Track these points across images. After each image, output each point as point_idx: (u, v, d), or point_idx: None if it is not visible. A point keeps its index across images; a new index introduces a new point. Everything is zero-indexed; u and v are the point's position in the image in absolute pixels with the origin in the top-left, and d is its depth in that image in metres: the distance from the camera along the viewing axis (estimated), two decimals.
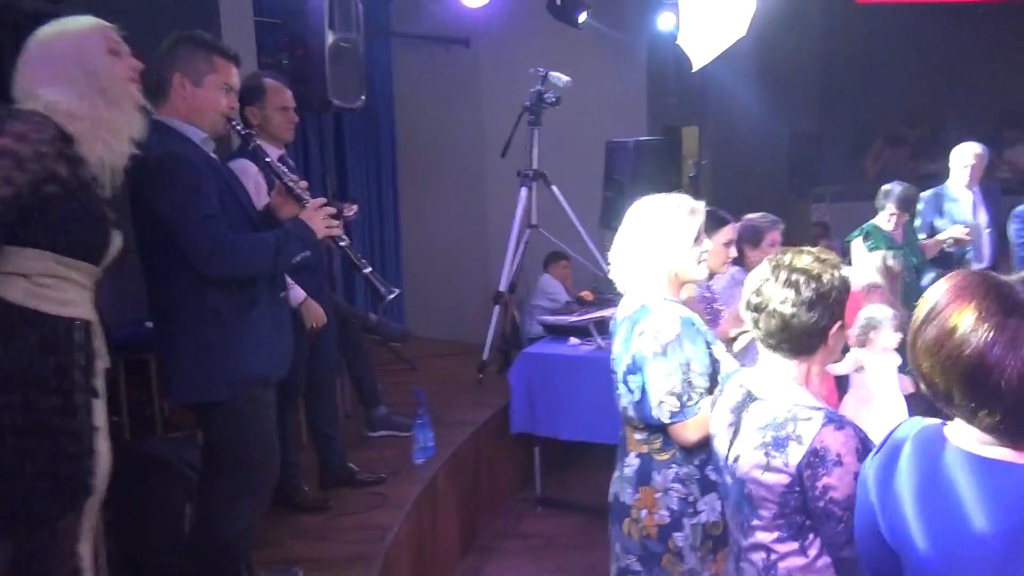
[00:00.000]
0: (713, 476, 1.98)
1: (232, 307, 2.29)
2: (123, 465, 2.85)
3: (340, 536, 3.05)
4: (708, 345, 2.02)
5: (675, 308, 2.02)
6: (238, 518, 2.40)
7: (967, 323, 1.12)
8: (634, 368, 2.02)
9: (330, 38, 3.97)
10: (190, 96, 2.28)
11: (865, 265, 3.87)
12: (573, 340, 4.27)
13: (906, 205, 4.60)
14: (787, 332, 1.64)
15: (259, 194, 2.75)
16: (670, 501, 2.02)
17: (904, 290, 3.82)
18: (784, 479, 1.58)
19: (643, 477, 2.05)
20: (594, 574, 3.63)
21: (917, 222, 4.88)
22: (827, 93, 11.27)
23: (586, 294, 4.74)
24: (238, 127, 2.43)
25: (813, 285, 1.62)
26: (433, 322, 6.00)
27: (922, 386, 1.22)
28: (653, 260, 2.05)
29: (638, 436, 2.08)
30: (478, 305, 5.52)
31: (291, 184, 2.42)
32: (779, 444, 1.59)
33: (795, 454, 1.56)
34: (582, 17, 5.62)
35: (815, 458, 1.54)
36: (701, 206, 2.10)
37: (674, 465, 2.02)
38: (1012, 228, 3.98)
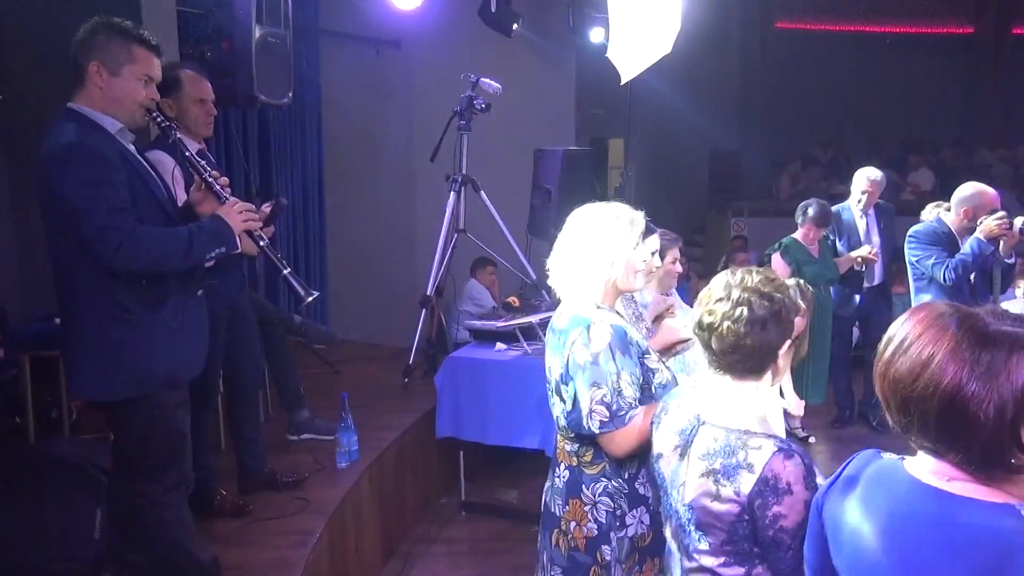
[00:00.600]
0: (642, 490, 2.00)
1: (141, 304, 2.21)
2: (25, 468, 2.73)
3: (260, 541, 2.96)
4: (642, 355, 2.00)
5: (608, 317, 1.99)
6: (169, 524, 2.33)
7: (943, 355, 1.12)
8: (566, 378, 2.00)
9: (257, 32, 3.87)
10: (107, 86, 2.20)
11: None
12: (500, 345, 4.28)
13: (822, 221, 4.88)
14: (739, 352, 1.63)
15: (176, 188, 2.66)
16: (599, 514, 2.00)
17: (816, 304, 4.01)
18: (734, 508, 1.56)
19: (573, 489, 2.03)
20: None
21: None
22: (746, 113, 11.71)
23: (513, 299, 4.76)
24: (159, 119, 2.35)
25: (766, 304, 1.62)
26: (358, 325, 5.92)
27: (891, 418, 1.21)
28: (589, 269, 2.03)
29: (569, 447, 2.06)
30: (404, 309, 5.47)
31: (211, 180, 2.35)
32: (729, 472, 1.57)
33: (746, 483, 1.54)
34: (515, 27, 5.68)
35: (765, 487, 1.53)
36: (640, 216, 2.09)
37: (603, 479, 2.00)
38: (908, 247, 4.24)
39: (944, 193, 8.92)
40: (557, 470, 2.10)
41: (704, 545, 1.64)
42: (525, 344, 4.13)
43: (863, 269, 5.02)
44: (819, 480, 1.54)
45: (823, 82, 11.30)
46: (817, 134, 11.47)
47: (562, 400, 2.03)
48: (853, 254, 4.99)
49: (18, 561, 2.60)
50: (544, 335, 4.20)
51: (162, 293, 2.25)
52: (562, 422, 2.05)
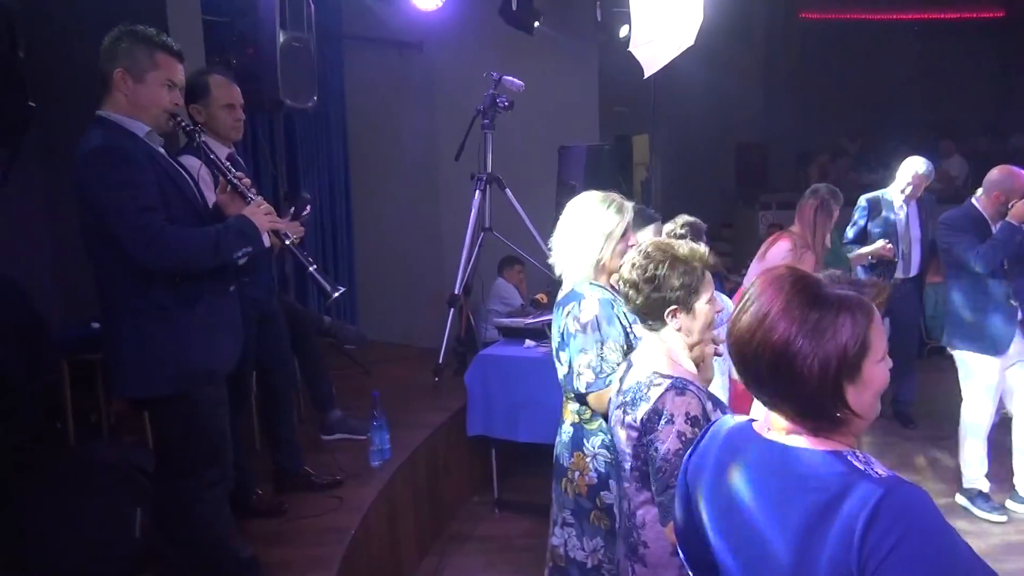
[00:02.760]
0: None
1: (177, 301, 2.26)
2: (66, 470, 2.78)
3: (297, 540, 2.99)
4: (630, 325, 2.25)
5: (596, 291, 2.26)
6: (210, 521, 2.36)
7: (775, 312, 1.19)
8: (562, 344, 2.31)
9: (281, 37, 3.92)
10: (132, 92, 2.24)
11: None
12: (528, 342, 4.28)
13: (837, 199, 4.74)
14: (637, 304, 1.93)
15: (206, 190, 2.70)
16: (598, 464, 2.26)
17: None
18: (634, 433, 1.83)
19: (576, 443, 2.31)
20: None
21: (860, 222, 5.05)
22: (772, 105, 11.57)
23: (541, 297, 4.76)
24: (183, 123, 2.38)
25: (651, 263, 1.90)
26: (387, 326, 5.95)
27: (737, 373, 1.29)
28: (582, 249, 2.31)
29: (572, 407, 2.34)
30: (432, 308, 5.49)
31: (235, 181, 2.38)
32: (633, 403, 1.84)
33: (641, 411, 1.81)
34: (536, 24, 5.67)
35: (654, 415, 1.78)
36: (629, 204, 2.36)
37: (601, 433, 2.26)
38: (939, 234, 4.15)
39: (977, 182, 8.76)
40: (563, 427, 2.38)
41: (623, 472, 1.92)
42: None
43: (876, 262, 4.93)
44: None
45: (850, 72, 11.14)
46: (845, 125, 11.30)
47: (560, 363, 2.34)
48: (865, 250, 4.90)
49: (60, 561, 2.65)
50: None
51: (196, 290, 2.29)
52: (563, 384, 2.34)
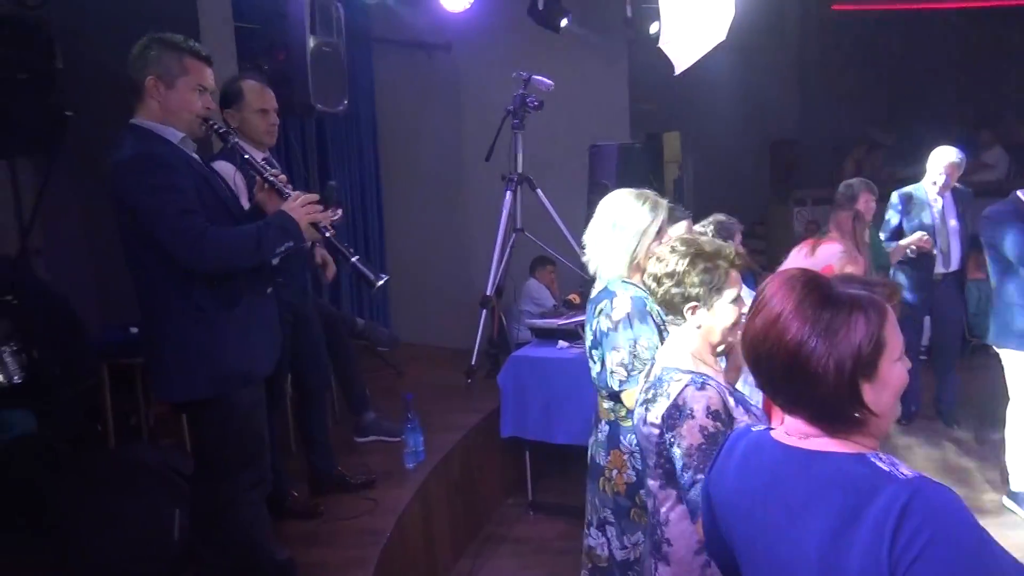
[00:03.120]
0: None
1: (215, 304, 2.27)
2: (106, 472, 2.82)
3: (332, 541, 3.01)
4: (663, 323, 2.21)
5: (629, 289, 2.25)
6: (247, 523, 2.39)
7: (787, 313, 1.19)
8: (595, 343, 2.30)
9: (311, 42, 3.94)
10: (164, 98, 2.26)
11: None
12: (561, 343, 4.26)
13: (871, 189, 4.61)
14: (659, 298, 1.94)
15: (240, 195, 2.72)
16: (636, 461, 2.23)
17: None
18: (655, 430, 1.81)
19: (613, 441, 2.30)
20: None
21: (894, 220, 4.93)
22: (805, 99, 11.40)
23: (573, 297, 4.73)
24: (216, 127, 2.39)
25: (675, 258, 1.89)
26: (419, 327, 5.97)
27: (752, 377, 1.28)
28: (615, 247, 2.29)
29: (607, 404, 2.33)
30: (464, 310, 5.49)
31: (271, 178, 2.39)
32: (654, 399, 1.82)
33: (661, 408, 1.79)
34: (563, 23, 5.64)
35: (675, 411, 1.76)
36: (664, 202, 2.34)
37: None
38: (982, 230, 3.99)
39: (1019, 173, 8.54)
40: (599, 426, 2.37)
41: (648, 469, 1.91)
42: None
43: (915, 255, 4.78)
44: (740, 416, 1.74)
45: (884, 64, 10.93)
46: (880, 118, 11.09)
47: (593, 362, 2.33)
48: (903, 242, 4.76)
49: (102, 562, 2.69)
50: None
51: (234, 292, 2.30)
52: (596, 382, 2.33)
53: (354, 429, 3.97)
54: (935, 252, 4.80)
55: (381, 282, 2.51)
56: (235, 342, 2.30)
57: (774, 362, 1.20)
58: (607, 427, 2.33)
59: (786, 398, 1.23)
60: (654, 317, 2.24)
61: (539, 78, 4.87)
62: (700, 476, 1.67)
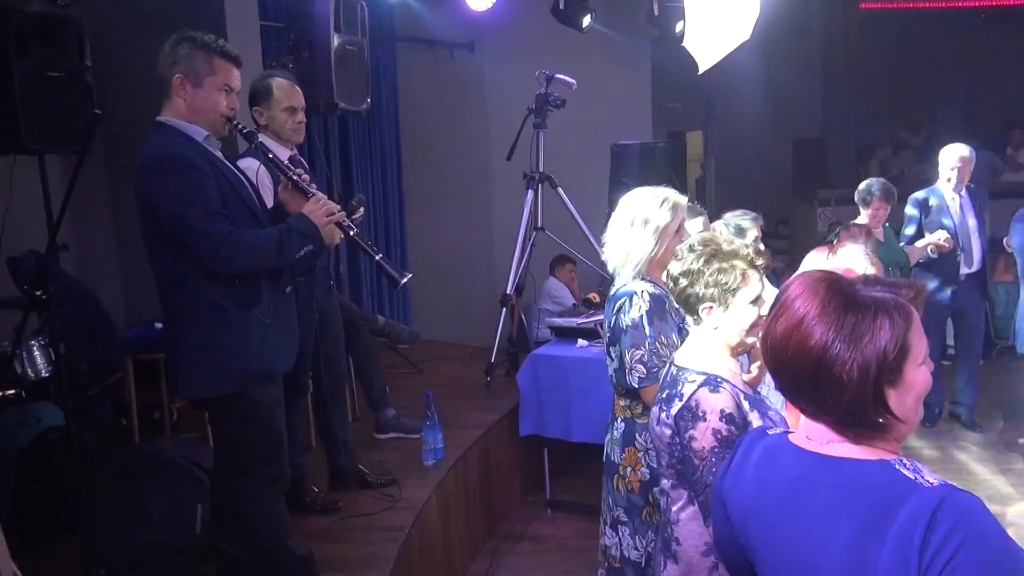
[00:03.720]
0: None
1: (236, 302, 2.29)
2: (131, 466, 2.86)
3: (351, 537, 3.03)
4: (681, 321, 2.22)
5: (649, 288, 2.27)
6: (267, 519, 2.41)
7: (811, 317, 1.16)
8: (613, 340, 2.31)
9: (336, 41, 3.97)
10: (190, 97, 2.28)
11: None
12: (581, 342, 4.26)
13: (889, 196, 4.58)
14: (677, 297, 1.94)
15: (265, 193, 2.74)
16: (650, 460, 2.23)
17: None
18: (668, 430, 1.81)
19: (628, 439, 2.31)
20: None
21: (910, 229, 4.87)
22: (830, 98, 11.28)
23: (593, 296, 4.73)
24: (240, 127, 2.40)
25: (691, 257, 1.89)
26: (439, 325, 5.99)
27: (775, 382, 1.26)
28: (634, 245, 2.30)
29: (623, 402, 2.34)
30: (484, 308, 5.51)
31: (295, 178, 2.41)
32: (668, 400, 1.81)
33: (675, 408, 1.78)
34: (586, 21, 5.63)
35: (687, 412, 1.75)
36: (683, 200, 2.35)
37: None
38: (1013, 232, 3.89)
39: None
40: (615, 423, 2.38)
41: (661, 468, 1.92)
42: None
43: (936, 256, 4.70)
44: (755, 420, 1.73)
45: (912, 62, 10.77)
46: (907, 117, 10.95)
47: (611, 359, 2.34)
48: (922, 242, 4.68)
49: (127, 555, 2.73)
50: None
51: (255, 291, 2.32)
52: (613, 379, 2.35)
53: (374, 426, 4.00)
54: (958, 252, 4.73)
55: (405, 280, 2.53)
56: (255, 340, 2.32)
57: (797, 367, 1.18)
58: (623, 424, 2.34)
59: (809, 404, 1.21)
60: (673, 316, 2.25)
61: (562, 77, 4.86)
62: (712, 479, 1.64)
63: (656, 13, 6.02)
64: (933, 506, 1.07)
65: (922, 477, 1.12)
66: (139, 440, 3.58)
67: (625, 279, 2.33)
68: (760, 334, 1.89)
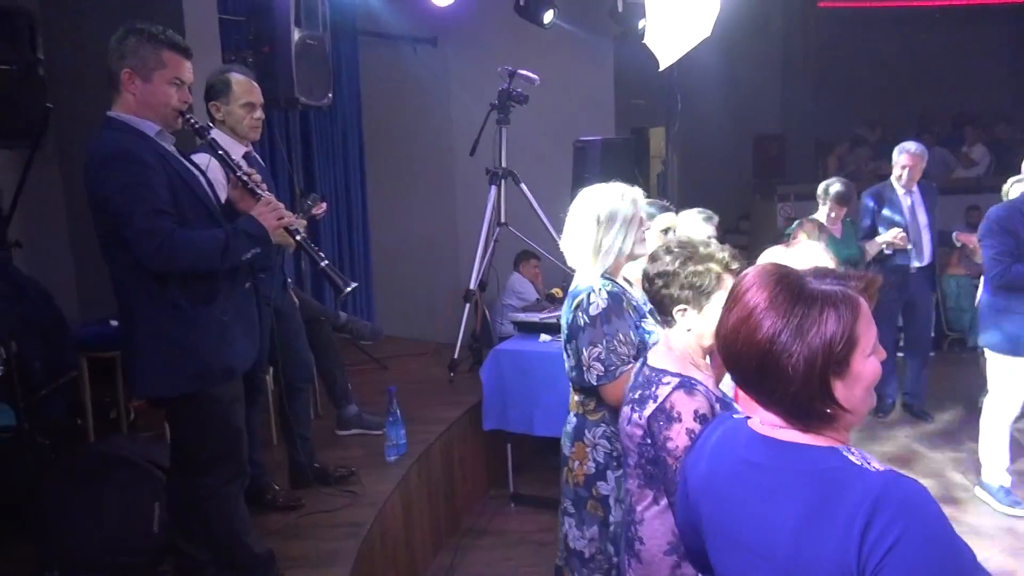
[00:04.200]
0: None
1: (192, 300, 2.26)
2: (85, 465, 2.82)
3: (313, 534, 3.02)
4: (640, 319, 2.29)
5: (607, 285, 2.26)
6: (226, 517, 2.40)
7: (759, 310, 1.18)
8: (570, 336, 2.31)
9: (296, 35, 3.94)
10: (139, 91, 2.23)
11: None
12: (544, 337, 4.28)
13: (845, 200, 4.76)
14: (648, 297, 1.96)
15: (219, 189, 2.70)
16: (597, 454, 2.28)
17: None
18: (639, 431, 1.82)
19: (578, 433, 2.34)
20: None
21: (865, 224, 5.02)
22: (789, 95, 11.46)
23: (557, 291, 4.75)
24: (192, 122, 2.35)
25: (668, 259, 1.90)
26: (403, 321, 5.98)
27: (728, 372, 1.29)
28: (592, 241, 2.29)
29: (577, 398, 2.37)
30: (448, 304, 5.51)
31: (245, 178, 2.37)
32: (642, 401, 1.82)
33: (648, 410, 1.79)
34: (547, 17, 5.64)
35: (661, 414, 1.77)
36: (640, 194, 2.36)
37: (603, 424, 2.29)
38: (983, 228, 3.92)
39: (999, 170, 8.61)
40: (568, 418, 2.42)
41: (628, 468, 1.93)
42: None
43: (892, 253, 4.88)
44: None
45: (868, 60, 11.00)
46: (864, 114, 11.18)
47: (567, 355, 2.34)
48: (879, 239, 4.86)
49: (81, 554, 2.69)
50: None
51: (211, 288, 2.29)
52: (570, 375, 2.35)
53: (336, 422, 3.99)
54: (909, 246, 4.89)
55: (349, 289, 2.50)
56: (213, 338, 2.29)
57: (746, 359, 1.20)
58: (575, 419, 2.37)
59: (759, 394, 1.23)
60: (631, 313, 2.26)
61: (525, 72, 4.88)
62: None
63: (620, 10, 6.06)
64: (876, 492, 1.09)
65: (868, 464, 1.14)
66: (95, 439, 3.52)
67: (583, 276, 2.33)
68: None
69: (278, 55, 3.92)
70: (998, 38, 11.34)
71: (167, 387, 2.30)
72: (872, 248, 4.87)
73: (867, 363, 1.17)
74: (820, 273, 1.22)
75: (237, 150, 2.96)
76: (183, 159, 2.37)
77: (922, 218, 4.98)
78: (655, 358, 1.90)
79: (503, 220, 4.98)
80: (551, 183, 5.33)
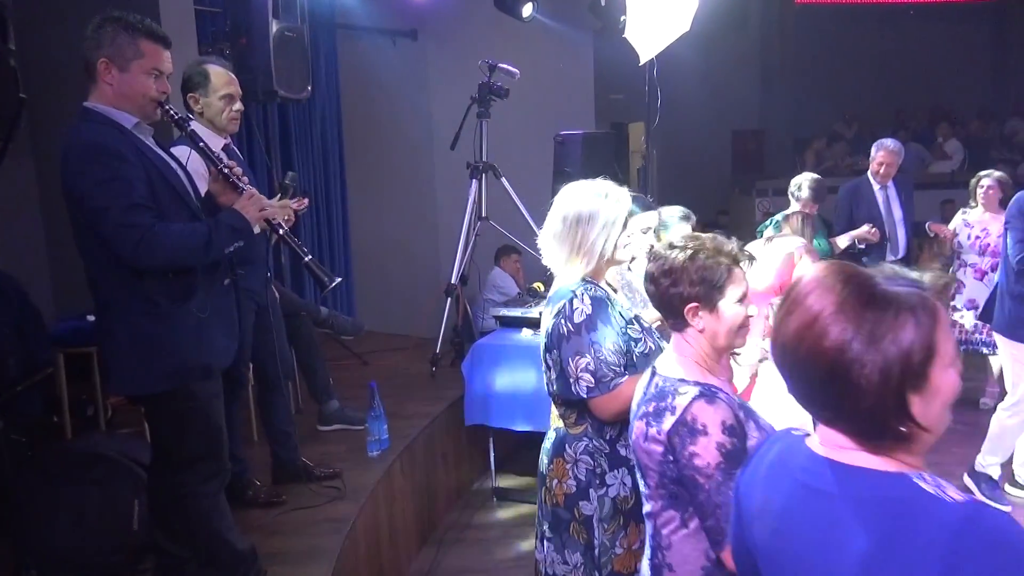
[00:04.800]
0: (623, 452, 2.08)
1: (169, 297, 2.22)
2: (62, 463, 2.78)
3: (295, 530, 3.00)
4: (626, 325, 2.11)
5: (590, 289, 2.08)
6: (207, 514, 2.37)
7: (826, 315, 1.05)
8: (551, 345, 2.11)
9: (274, 27, 3.89)
10: (116, 82, 2.18)
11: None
12: (526, 331, 4.28)
13: (818, 197, 4.82)
14: (655, 300, 1.79)
15: (197, 179, 2.66)
16: (579, 472, 2.10)
17: None
18: (659, 447, 1.65)
19: (557, 449, 2.16)
20: None
21: (841, 218, 5.08)
22: (768, 91, 11.55)
23: (538, 286, 4.75)
24: (172, 112, 2.30)
25: (674, 254, 1.74)
26: (384, 316, 5.95)
27: (787, 386, 1.15)
28: (574, 243, 2.10)
29: (557, 411, 2.20)
30: (429, 298, 5.49)
31: (226, 171, 2.34)
32: (658, 414, 1.66)
33: (667, 424, 1.63)
34: (527, 10, 5.63)
35: (683, 427, 1.61)
36: (625, 193, 2.14)
37: (585, 439, 2.11)
38: (1009, 214, 3.81)
39: (972, 165, 8.74)
40: (548, 433, 2.25)
41: (646, 490, 1.76)
42: None
43: (865, 247, 4.96)
44: (752, 432, 1.61)
45: (846, 57, 11.12)
46: (841, 110, 11.30)
47: (548, 366, 2.14)
48: (850, 234, 4.95)
49: (61, 553, 2.65)
50: None
51: (189, 285, 2.25)
52: (551, 387, 2.15)
53: (318, 418, 3.96)
54: (885, 241, 5.00)
55: (333, 284, 2.48)
56: (190, 335, 2.25)
57: (810, 370, 1.07)
58: (554, 434, 2.20)
59: (823, 410, 1.10)
60: (616, 320, 2.09)
61: (505, 66, 4.86)
62: (721, 499, 1.55)
63: (602, 4, 6.06)
64: (955, 527, 0.97)
65: (944, 493, 1.01)
66: (73, 437, 3.47)
67: (564, 280, 2.14)
68: (747, 337, 1.79)
69: (256, 47, 3.88)
70: (973, 36, 11.51)
71: (145, 384, 2.27)
72: (842, 243, 4.94)
73: (946, 375, 1.04)
74: (890, 274, 1.08)
75: (216, 143, 2.92)
76: (162, 152, 2.33)
77: (897, 212, 5.09)
78: (665, 366, 1.75)
79: (484, 214, 4.97)
80: (532, 177, 5.32)
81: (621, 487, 2.09)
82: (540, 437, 4.29)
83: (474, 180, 4.92)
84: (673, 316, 1.76)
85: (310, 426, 3.92)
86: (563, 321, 2.05)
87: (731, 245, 1.79)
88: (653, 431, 1.65)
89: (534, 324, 4.24)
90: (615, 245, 2.11)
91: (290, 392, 3.74)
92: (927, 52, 11.00)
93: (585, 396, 2.03)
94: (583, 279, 2.11)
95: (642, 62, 4.80)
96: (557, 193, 2.27)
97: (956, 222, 5.06)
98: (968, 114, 10.91)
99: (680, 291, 1.71)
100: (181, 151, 2.68)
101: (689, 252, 1.73)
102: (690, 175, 9.36)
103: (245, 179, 2.38)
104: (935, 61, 10.96)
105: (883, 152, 4.98)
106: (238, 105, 3.02)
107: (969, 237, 4.88)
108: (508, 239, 5.30)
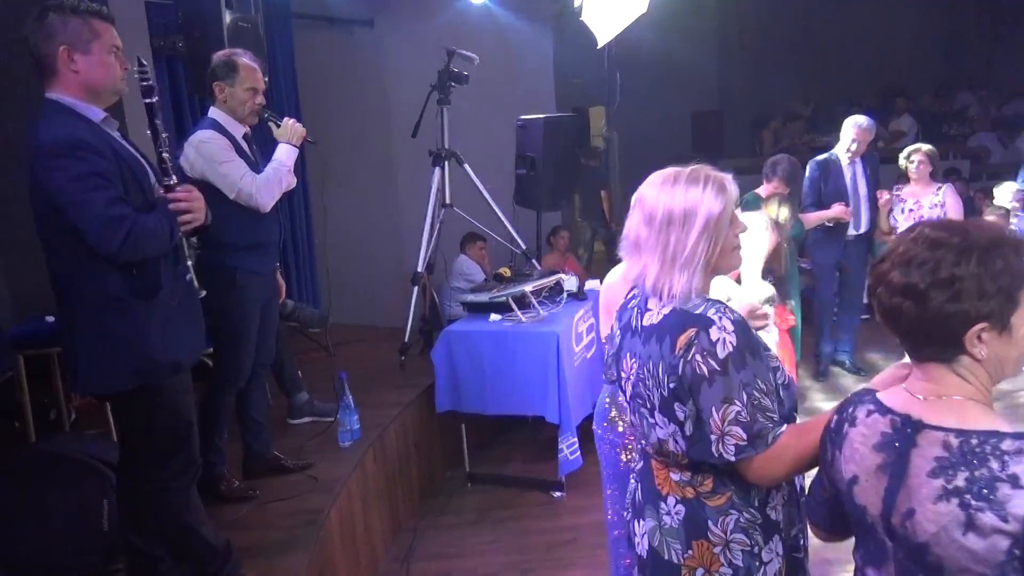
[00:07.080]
0: (774, 516, 1.66)
1: (133, 292, 2.19)
2: (28, 465, 2.73)
3: (269, 523, 2.98)
4: (764, 351, 1.63)
5: (728, 310, 1.59)
6: (179, 510, 2.35)
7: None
8: (682, 393, 1.58)
9: (228, 17, 3.83)
10: (82, 66, 2.13)
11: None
12: (494, 316, 4.29)
13: (792, 179, 4.91)
14: (903, 321, 1.26)
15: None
16: (733, 556, 1.63)
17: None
18: (1005, 542, 1.13)
19: (695, 529, 1.65)
20: (526, 542, 3.69)
21: (810, 193, 5.17)
22: (725, 71, 11.65)
23: (504, 271, 4.76)
24: (144, 79, 2.23)
25: (945, 258, 1.22)
26: (350, 307, 5.90)
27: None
28: (666, 252, 1.61)
29: (677, 476, 1.68)
30: (395, 288, 5.48)
31: (163, 157, 2.28)
32: (981, 490, 1.15)
33: (1017, 504, 1.12)
34: None
35: None
36: (728, 178, 1.65)
37: (733, 511, 1.63)
38: None
39: (925, 139, 8.92)
40: (663, 505, 1.70)
41: None
42: (520, 313, 4.15)
43: (832, 225, 5.08)
44: None
45: (802, 35, 11.25)
46: (798, 88, 11.44)
47: (671, 421, 1.62)
48: (822, 213, 5.05)
49: (29, 558, 2.61)
50: (536, 303, 4.21)
51: (152, 279, 2.22)
52: (669, 446, 1.64)
53: (287, 411, 3.94)
54: (851, 219, 5.08)
55: (199, 297, 2.47)
56: (158, 332, 2.22)
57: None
58: (681, 508, 1.67)
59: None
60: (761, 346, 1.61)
61: (464, 52, 4.85)
62: None
63: None
64: None
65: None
66: (36, 440, 3.41)
67: (679, 300, 1.61)
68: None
69: (210, 39, 3.81)
70: (930, 10, 11.69)
71: (113, 384, 2.23)
72: (811, 220, 5.04)
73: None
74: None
75: (237, 130, 3.10)
76: (128, 145, 2.29)
77: (862, 189, 5.19)
78: (941, 413, 1.25)
79: (448, 201, 4.97)
80: (495, 163, 5.32)
81: (776, 559, 1.65)
82: (511, 421, 4.31)
83: (437, 168, 4.90)
84: (948, 344, 1.24)
85: (280, 420, 3.89)
86: (701, 357, 1.54)
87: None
88: (987, 516, 1.14)
89: (501, 308, 4.26)
90: (719, 247, 1.62)
91: (265, 384, 3.71)
92: (883, 30, 11.17)
93: (734, 458, 1.55)
94: (705, 297, 1.62)
95: (600, 45, 4.82)
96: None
97: (889, 201, 5.04)
98: (924, 89, 11.11)
99: (964, 308, 1.20)
100: (205, 135, 2.87)
101: (976, 253, 1.20)
102: (651, 157, 9.37)
103: (172, 174, 2.32)
104: (891, 39, 11.13)
105: (856, 129, 5.05)
106: (260, 98, 3.13)
107: (903, 211, 5.00)
108: (473, 226, 5.30)
